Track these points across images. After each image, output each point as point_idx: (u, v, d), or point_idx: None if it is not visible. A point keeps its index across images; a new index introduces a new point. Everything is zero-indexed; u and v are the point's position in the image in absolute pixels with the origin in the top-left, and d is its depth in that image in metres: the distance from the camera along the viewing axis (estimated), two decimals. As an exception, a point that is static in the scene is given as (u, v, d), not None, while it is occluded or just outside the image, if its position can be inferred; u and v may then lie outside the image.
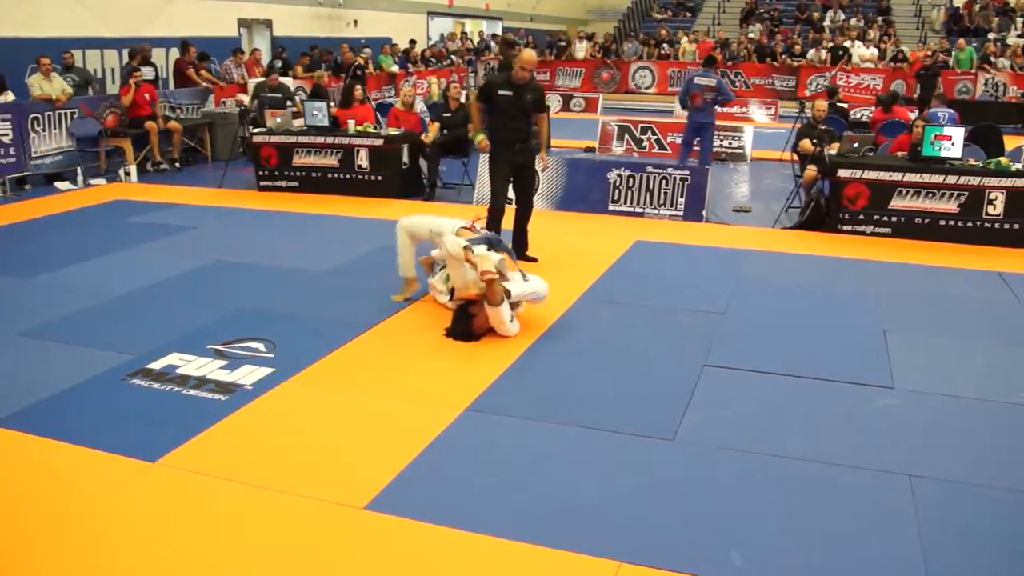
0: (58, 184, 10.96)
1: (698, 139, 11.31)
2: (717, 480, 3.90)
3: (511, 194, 7.39)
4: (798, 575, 3.23)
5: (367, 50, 18.82)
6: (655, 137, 13.66)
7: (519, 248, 7.32)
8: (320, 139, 10.31)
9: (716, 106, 11.41)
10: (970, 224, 8.30)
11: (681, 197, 9.23)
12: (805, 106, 10.52)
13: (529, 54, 7.21)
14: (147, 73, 13.01)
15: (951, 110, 11.64)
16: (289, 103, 12.14)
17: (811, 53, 21.86)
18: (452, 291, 6.05)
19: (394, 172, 10.20)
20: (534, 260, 7.32)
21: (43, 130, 11.04)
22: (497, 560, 3.30)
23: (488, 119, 7.19)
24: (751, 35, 24.06)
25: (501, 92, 7.00)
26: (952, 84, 19.71)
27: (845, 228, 8.60)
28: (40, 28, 12.85)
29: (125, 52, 14.23)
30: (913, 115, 10.86)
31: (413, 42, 21.34)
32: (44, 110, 11.02)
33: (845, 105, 10.54)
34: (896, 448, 4.20)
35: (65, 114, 11.31)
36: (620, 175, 9.47)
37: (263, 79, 13.68)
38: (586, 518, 3.57)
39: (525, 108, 7.09)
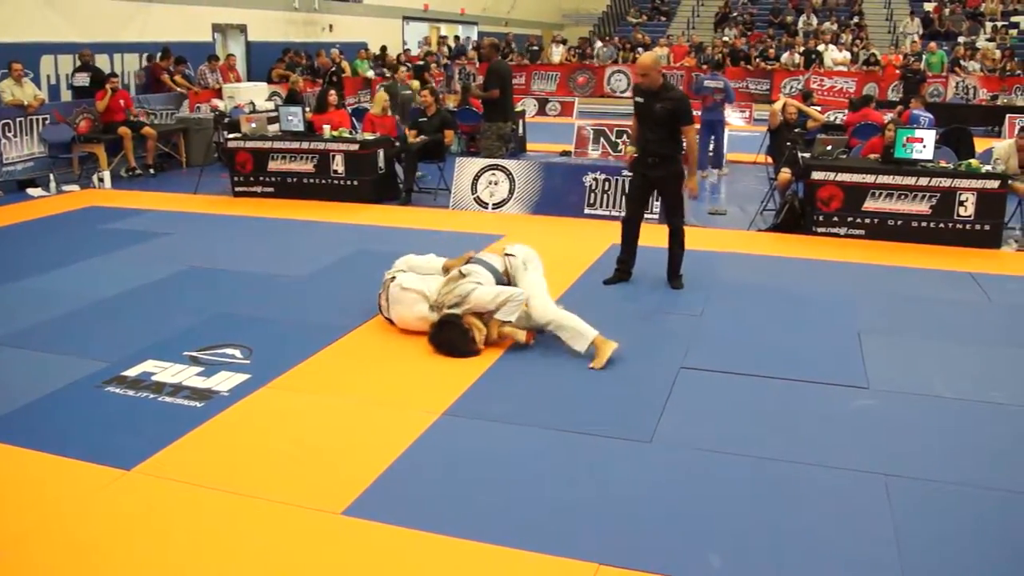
0: (30, 191, 10.84)
1: (712, 137, 12.40)
2: (694, 482, 3.92)
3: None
4: (775, 575, 3.25)
5: (334, 51, 18.75)
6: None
7: (668, 271, 6.94)
8: (295, 144, 10.28)
9: (723, 105, 12.48)
10: (942, 225, 8.39)
11: (656, 200, 9.24)
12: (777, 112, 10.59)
13: (643, 58, 6.61)
14: (81, 79, 12.70)
15: (930, 114, 11.77)
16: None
17: (785, 57, 22.03)
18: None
19: (370, 177, 10.19)
20: (679, 288, 6.83)
21: (15, 136, 10.95)
22: (476, 564, 3.30)
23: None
24: (725, 39, 24.21)
25: (636, 99, 6.67)
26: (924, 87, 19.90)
27: (819, 230, 8.67)
28: (11, 33, 12.72)
29: (99, 58, 14.13)
30: (887, 118, 10.96)
31: (384, 48, 21.32)
32: (15, 116, 10.92)
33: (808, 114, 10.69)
34: (871, 448, 4.23)
35: (37, 120, 11.21)
36: (596, 179, 9.51)
37: (391, 80, 13.12)
38: (564, 521, 3.57)
39: (656, 118, 6.52)
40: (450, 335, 5.36)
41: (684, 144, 6.62)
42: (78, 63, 12.96)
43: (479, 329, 5.37)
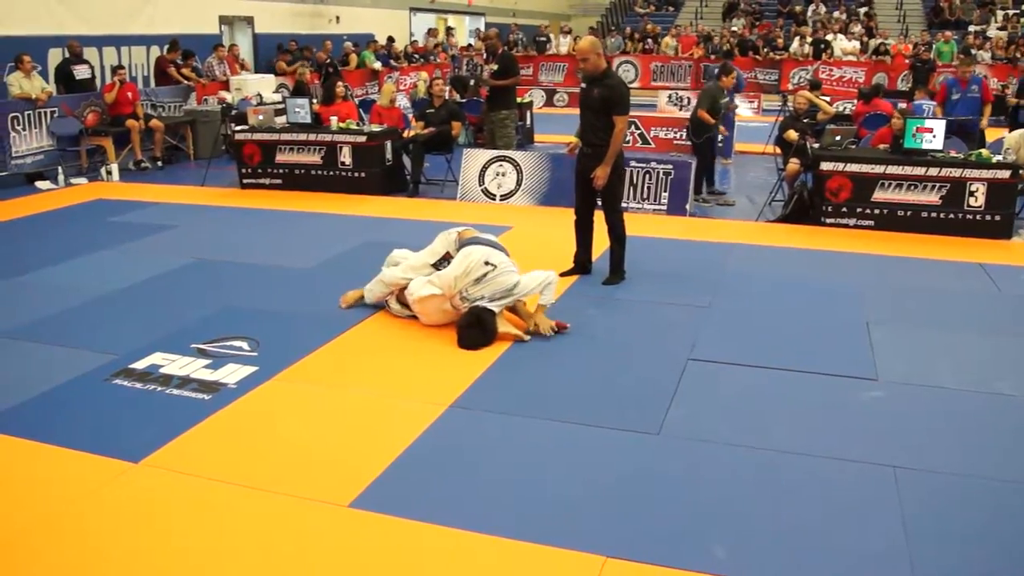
0: (39, 184, 10.86)
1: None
2: (702, 474, 3.91)
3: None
4: (782, 568, 3.24)
5: (348, 43, 18.78)
6: (639, 131, 13.67)
7: (610, 267, 6.77)
8: (303, 136, 10.27)
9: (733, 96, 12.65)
10: (952, 216, 8.34)
11: (665, 191, 9.23)
12: (788, 99, 10.57)
13: (582, 42, 6.42)
14: (83, 72, 12.60)
15: (934, 102, 11.70)
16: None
17: (793, 46, 21.92)
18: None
19: (377, 169, 10.17)
20: (614, 283, 6.66)
21: (23, 129, 10.95)
22: (483, 556, 3.30)
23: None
24: (734, 29, 24.11)
25: (582, 85, 6.48)
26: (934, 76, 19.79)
27: (828, 221, 8.63)
28: (18, 26, 12.72)
29: (106, 51, 14.13)
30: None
31: (391, 39, 21.29)
32: (24, 109, 10.94)
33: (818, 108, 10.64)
34: (880, 440, 4.22)
35: (45, 113, 11.22)
36: (604, 170, 9.46)
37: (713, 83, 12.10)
38: (572, 513, 3.57)
39: (592, 105, 6.36)
40: (480, 334, 5.33)
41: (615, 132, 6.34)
42: (67, 54, 12.69)
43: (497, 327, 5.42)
